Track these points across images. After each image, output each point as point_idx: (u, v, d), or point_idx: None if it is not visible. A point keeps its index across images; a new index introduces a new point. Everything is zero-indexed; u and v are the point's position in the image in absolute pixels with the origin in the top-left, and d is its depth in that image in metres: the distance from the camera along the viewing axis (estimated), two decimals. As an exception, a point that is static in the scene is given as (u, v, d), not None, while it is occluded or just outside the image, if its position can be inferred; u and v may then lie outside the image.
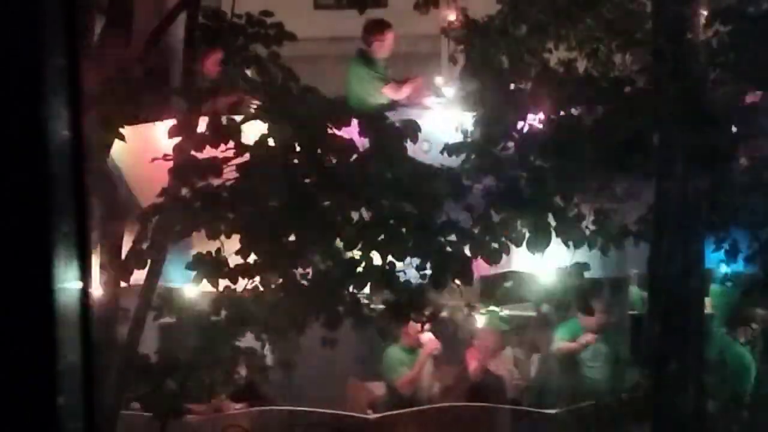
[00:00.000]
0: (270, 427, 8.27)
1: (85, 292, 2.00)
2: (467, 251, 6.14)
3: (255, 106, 6.30)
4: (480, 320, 8.93)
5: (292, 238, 5.85)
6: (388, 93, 8.40)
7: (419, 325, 8.63)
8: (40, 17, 1.95)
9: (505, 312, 8.95)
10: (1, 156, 1.92)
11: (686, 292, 6.17)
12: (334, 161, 5.90)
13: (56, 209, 1.97)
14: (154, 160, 5.99)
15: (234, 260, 5.91)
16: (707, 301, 6.92)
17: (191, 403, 8.32)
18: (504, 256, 6.30)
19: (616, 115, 6.51)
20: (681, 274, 6.13)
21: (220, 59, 7.87)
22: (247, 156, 5.86)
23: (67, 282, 1.98)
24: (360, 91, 8.45)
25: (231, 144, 5.89)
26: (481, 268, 6.60)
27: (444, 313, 6.47)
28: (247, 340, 6.96)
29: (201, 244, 6.01)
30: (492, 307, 8.80)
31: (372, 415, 8.50)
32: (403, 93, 8.44)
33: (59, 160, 1.99)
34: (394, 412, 8.47)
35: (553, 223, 6.39)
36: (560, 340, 8.74)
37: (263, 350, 8.00)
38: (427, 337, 8.81)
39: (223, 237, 5.86)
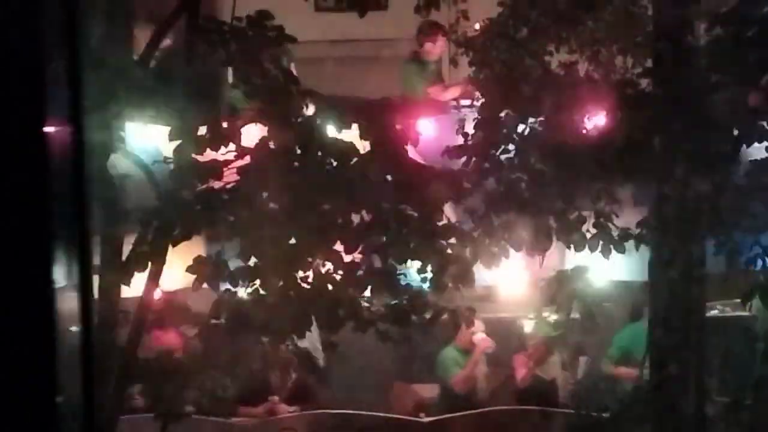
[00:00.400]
0: (323, 430, 8.28)
1: (85, 295, 2.00)
2: (468, 254, 6.14)
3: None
4: (528, 325, 8.91)
5: (292, 241, 5.85)
6: (435, 94, 8.45)
7: (474, 325, 8.69)
8: (41, 20, 1.95)
9: (552, 316, 8.90)
10: (3, 158, 1.91)
11: (687, 296, 6.17)
12: (335, 164, 5.89)
13: (57, 211, 1.96)
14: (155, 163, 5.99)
15: (234, 263, 5.91)
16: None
17: (246, 405, 8.39)
18: (557, 257, 6.32)
19: (616, 117, 6.51)
20: (682, 278, 6.12)
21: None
22: (247, 159, 5.86)
23: (68, 284, 1.97)
24: (410, 90, 8.54)
25: (231, 146, 5.89)
26: (534, 269, 6.60)
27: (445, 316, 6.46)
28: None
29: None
30: (542, 313, 8.69)
31: (425, 419, 8.50)
32: (449, 94, 8.50)
33: (60, 162, 1.99)
34: (449, 415, 8.46)
35: (553, 226, 6.39)
36: (618, 351, 8.56)
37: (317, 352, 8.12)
38: (480, 336, 8.85)
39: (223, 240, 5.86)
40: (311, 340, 8.56)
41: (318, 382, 8.65)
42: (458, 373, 8.88)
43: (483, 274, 6.54)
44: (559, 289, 6.72)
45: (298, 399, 8.69)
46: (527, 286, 7.82)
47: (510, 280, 7.94)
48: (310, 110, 5.92)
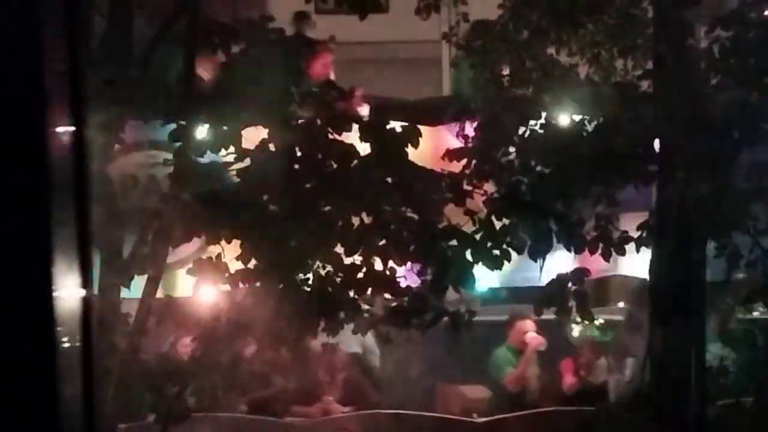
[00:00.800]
0: (377, 431, 8.30)
1: (85, 297, 2.00)
2: (468, 257, 6.13)
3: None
4: (575, 329, 8.89)
5: (293, 243, 5.85)
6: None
7: (527, 325, 8.70)
8: (42, 22, 1.95)
9: (599, 319, 8.83)
10: (4, 160, 1.91)
11: (687, 298, 6.17)
12: (335, 166, 5.89)
13: (58, 213, 1.96)
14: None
15: (234, 265, 5.91)
16: None
17: (300, 405, 8.42)
18: (611, 258, 6.32)
19: (617, 120, 6.51)
20: (682, 280, 6.12)
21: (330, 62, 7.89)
22: (247, 161, 5.86)
23: (68, 286, 1.97)
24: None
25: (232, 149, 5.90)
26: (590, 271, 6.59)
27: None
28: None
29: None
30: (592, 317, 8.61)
31: (479, 419, 8.50)
32: None
33: (61, 164, 1.99)
34: (503, 415, 8.46)
35: (554, 229, 6.39)
36: None
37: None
38: (532, 335, 8.86)
39: (223, 242, 5.86)
40: (365, 341, 8.61)
41: (373, 382, 8.72)
42: (511, 372, 8.92)
43: (535, 274, 6.53)
44: (606, 291, 6.73)
45: (351, 399, 8.72)
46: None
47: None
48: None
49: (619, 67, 7.80)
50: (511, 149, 6.58)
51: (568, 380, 8.86)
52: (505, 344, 9.09)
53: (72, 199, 2.07)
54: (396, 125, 6.09)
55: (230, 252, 5.94)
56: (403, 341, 6.72)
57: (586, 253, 6.47)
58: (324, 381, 8.78)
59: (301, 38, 8.00)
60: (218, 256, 5.90)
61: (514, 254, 6.15)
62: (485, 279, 6.78)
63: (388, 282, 5.91)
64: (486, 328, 8.50)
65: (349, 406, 8.69)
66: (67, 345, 1.94)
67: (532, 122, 6.56)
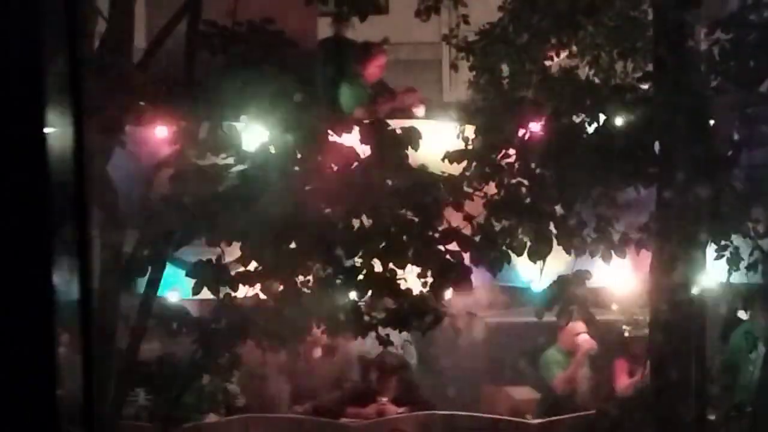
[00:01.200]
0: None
1: (85, 299, 2.00)
2: (468, 259, 6.13)
3: None
4: (629, 329, 8.83)
5: (293, 245, 5.84)
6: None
7: (578, 327, 8.67)
8: (42, 23, 1.95)
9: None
10: (3, 161, 1.91)
11: (688, 301, 6.16)
12: (335, 168, 5.89)
13: (57, 215, 1.96)
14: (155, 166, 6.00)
15: (233, 267, 5.91)
16: None
17: (354, 406, 8.46)
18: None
19: (617, 122, 6.51)
20: (682, 283, 6.11)
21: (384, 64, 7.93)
22: (247, 163, 5.86)
23: (68, 288, 1.97)
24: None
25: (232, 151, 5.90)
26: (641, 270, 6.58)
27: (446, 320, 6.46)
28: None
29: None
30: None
31: (533, 420, 8.49)
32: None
33: (61, 165, 1.99)
34: (556, 417, 8.44)
35: (554, 231, 6.39)
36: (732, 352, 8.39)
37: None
38: (583, 337, 8.83)
39: (223, 244, 5.86)
40: (401, 339, 8.64)
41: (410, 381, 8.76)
42: (560, 374, 8.89)
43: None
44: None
45: (405, 399, 8.73)
46: (632, 288, 7.64)
47: (615, 282, 7.73)
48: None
49: (619, 69, 7.80)
50: (511, 151, 6.57)
51: (623, 381, 8.82)
52: (555, 346, 9.05)
53: (73, 204, 2.06)
54: (396, 127, 6.10)
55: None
56: (444, 341, 6.72)
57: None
58: (378, 382, 8.77)
59: (347, 40, 8.09)
60: (218, 258, 5.90)
61: (564, 255, 6.15)
62: (536, 280, 6.78)
63: (388, 284, 5.91)
64: (537, 330, 8.48)
65: (403, 406, 8.69)
66: (67, 346, 1.94)
67: (531, 124, 6.56)
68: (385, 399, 8.72)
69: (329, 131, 5.85)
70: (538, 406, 8.89)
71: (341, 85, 8.56)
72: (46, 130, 1.96)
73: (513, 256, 6.37)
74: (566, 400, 8.82)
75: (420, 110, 8.79)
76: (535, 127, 6.57)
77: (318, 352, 8.84)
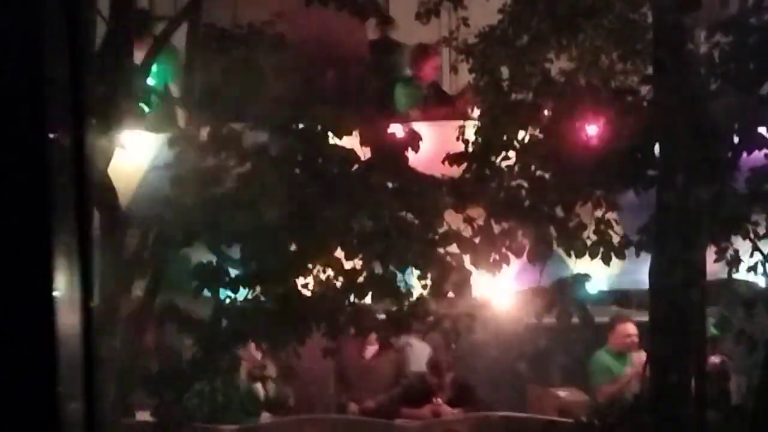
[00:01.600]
0: None
1: (86, 301, 2.00)
2: (468, 262, 6.14)
3: None
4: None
5: (293, 247, 5.85)
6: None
7: (629, 328, 8.59)
8: (44, 27, 1.95)
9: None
10: (5, 164, 1.91)
11: (688, 303, 6.16)
12: (335, 171, 5.90)
13: (58, 216, 1.96)
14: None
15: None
16: None
17: (409, 407, 8.46)
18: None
19: (616, 125, 6.51)
20: (682, 285, 6.11)
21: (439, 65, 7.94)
22: (248, 165, 5.86)
23: (69, 291, 1.97)
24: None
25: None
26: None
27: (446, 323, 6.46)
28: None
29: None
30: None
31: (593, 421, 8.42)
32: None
33: (62, 169, 1.99)
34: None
35: (554, 234, 6.39)
36: None
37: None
38: (639, 356, 8.50)
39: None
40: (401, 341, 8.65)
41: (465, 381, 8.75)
42: (605, 388, 8.76)
43: (643, 278, 6.52)
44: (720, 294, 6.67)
45: (460, 400, 8.71)
46: None
47: None
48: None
49: (619, 71, 7.79)
50: (511, 153, 6.58)
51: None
52: (605, 347, 8.96)
53: (73, 206, 2.07)
54: (396, 130, 6.11)
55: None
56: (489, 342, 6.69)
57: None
58: (432, 382, 8.75)
59: (396, 42, 8.13)
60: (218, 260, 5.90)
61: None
62: (594, 281, 6.79)
63: (388, 286, 5.91)
64: (586, 330, 8.37)
65: (458, 407, 8.66)
66: (67, 353, 1.94)
67: (531, 127, 6.57)
68: (439, 400, 8.69)
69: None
70: (587, 407, 8.78)
71: (395, 86, 8.58)
72: (47, 135, 1.97)
73: (568, 259, 6.37)
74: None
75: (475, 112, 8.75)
76: (535, 129, 6.58)
77: (370, 352, 8.81)
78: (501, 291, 7.11)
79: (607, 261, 6.52)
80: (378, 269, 5.92)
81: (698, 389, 6.24)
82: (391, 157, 5.88)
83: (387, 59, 8.86)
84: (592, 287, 6.69)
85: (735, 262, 6.68)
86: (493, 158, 6.59)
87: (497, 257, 6.40)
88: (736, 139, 6.45)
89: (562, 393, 8.98)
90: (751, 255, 6.68)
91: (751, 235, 6.62)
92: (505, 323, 7.22)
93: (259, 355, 8.19)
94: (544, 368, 9.18)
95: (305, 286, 5.96)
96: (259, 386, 8.32)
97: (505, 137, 6.63)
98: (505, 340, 6.86)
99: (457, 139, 6.86)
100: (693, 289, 6.14)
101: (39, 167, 1.92)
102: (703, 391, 6.31)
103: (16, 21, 1.93)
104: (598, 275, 6.36)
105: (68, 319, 1.91)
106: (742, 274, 6.83)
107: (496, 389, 9.04)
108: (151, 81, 7.37)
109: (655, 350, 6.30)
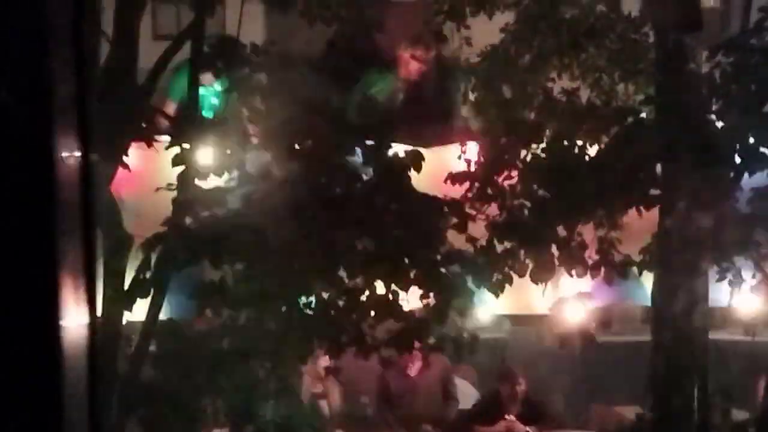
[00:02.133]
0: None
1: (90, 322, 2.00)
2: (470, 282, 6.13)
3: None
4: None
5: (296, 267, 5.84)
6: None
7: None
8: (50, 42, 1.96)
9: None
10: (11, 183, 1.92)
11: (690, 326, 6.15)
12: (338, 191, 5.90)
13: (63, 237, 1.97)
14: (158, 189, 6.00)
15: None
16: None
17: (481, 424, 8.44)
18: None
19: (618, 144, 6.51)
20: (685, 308, 6.11)
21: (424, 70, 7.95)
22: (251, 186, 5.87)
23: (73, 311, 1.97)
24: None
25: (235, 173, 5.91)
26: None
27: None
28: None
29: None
30: None
31: None
32: None
33: (67, 187, 1.99)
34: None
35: (556, 253, 6.39)
36: None
37: None
38: None
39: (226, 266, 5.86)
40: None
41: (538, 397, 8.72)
42: None
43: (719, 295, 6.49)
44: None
45: (533, 417, 8.66)
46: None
47: (746, 300, 7.59)
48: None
49: (621, 91, 7.81)
50: (513, 173, 6.58)
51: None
52: None
53: (78, 225, 2.07)
54: (399, 149, 6.11)
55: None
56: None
57: None
58: (505, 397, 8.69)
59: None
60: (221, 279, 5.90)
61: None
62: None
63: (390, 306, 5.91)
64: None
65: (531, 424, 8.62)
66: (71, 374, 1.94)
67: (534, 146, 6.57)
68: (512, 417, 8.64)
69: None
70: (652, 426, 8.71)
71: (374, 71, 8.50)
72: (52, 154, 1.97)
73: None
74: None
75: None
76: (537, 148, 6.58)
77: (415, 369, 8.77)
78: (572, 306, 7.12)
79: (609, 281, 6.52)
80: (380, 289, 5.91)
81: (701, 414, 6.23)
82: (395, 176, 5.87)
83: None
84: None
85: (737, 282, 6.68)
86: (495, 177, 6.59)
87: (500, 277, 6.40)
88: (738, 159, 6.46)
89: (626, 411, 8.92)
90: (753, 276, 6.68)
91: (754, 255, 6.62)
92: (571, 340, 7.20)
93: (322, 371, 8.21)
94: (610, 387, 9.12)
95: (308, 305, 5.95)
96: (324, 403, 8.30)
97: (507, 156, 6.64)
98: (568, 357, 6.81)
99: (459, 158, 6.87)
100: (695, 311, 6.12)
101: (45, 186, 1.92)
102: (706, 416, 6.29)
103: (23, 39, 1.94)
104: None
105: (73, 345, 1.91)
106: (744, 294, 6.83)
107: (561, 407, 9.01)
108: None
109: (656, 374, 6.28)
